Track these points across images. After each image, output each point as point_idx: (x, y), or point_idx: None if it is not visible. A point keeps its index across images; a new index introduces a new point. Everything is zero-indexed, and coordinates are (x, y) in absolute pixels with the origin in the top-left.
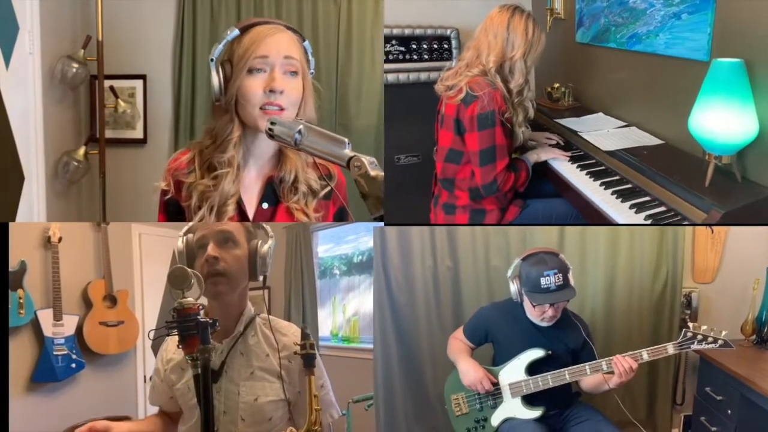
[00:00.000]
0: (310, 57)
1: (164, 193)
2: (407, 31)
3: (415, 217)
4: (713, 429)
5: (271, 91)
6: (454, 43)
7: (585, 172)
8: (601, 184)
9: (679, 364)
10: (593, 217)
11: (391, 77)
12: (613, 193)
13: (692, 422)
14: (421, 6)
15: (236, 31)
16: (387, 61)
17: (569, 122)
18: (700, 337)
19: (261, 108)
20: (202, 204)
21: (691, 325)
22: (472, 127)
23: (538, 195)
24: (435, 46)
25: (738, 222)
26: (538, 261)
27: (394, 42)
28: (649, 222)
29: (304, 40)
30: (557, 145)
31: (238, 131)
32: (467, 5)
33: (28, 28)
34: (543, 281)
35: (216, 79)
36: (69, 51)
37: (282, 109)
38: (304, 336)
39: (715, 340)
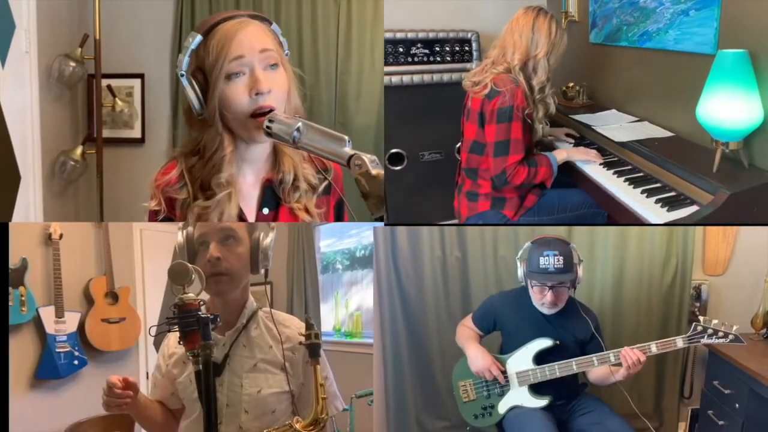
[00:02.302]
0: (282, 39)
1: (155, 213)
2: (431, 35)
3: (438, 208)
4: (720, 423)
5: (257, 94)
6: (474, 45)
7: (599, 162)
8: (614, 173)
9: (688, 357)
10: (607, 203)
11: (416, 78)
12: (625, 180)
13: (700, 416)
14: (444, 11)
15: (199, 37)
16: (412, 62)
17: (583, 118)
18: (710, 331)
19: (252, 116)
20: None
21: (701, 318)
22: (492, 119)
23: (554, 185)
24: (457, 48)
25: (744, 207)
26: (543, 243)
27: (419, 45)
28: (659, 205)
29: (271, 24)
30: (577, 144)
31: (230, 146)
32: (487, 10)
33: (24, 27)
34: (542, 261)
35: (192, 93)
36: (66, 49)
37: (273, 110)
38: (309, 326)
39: (726, 335)
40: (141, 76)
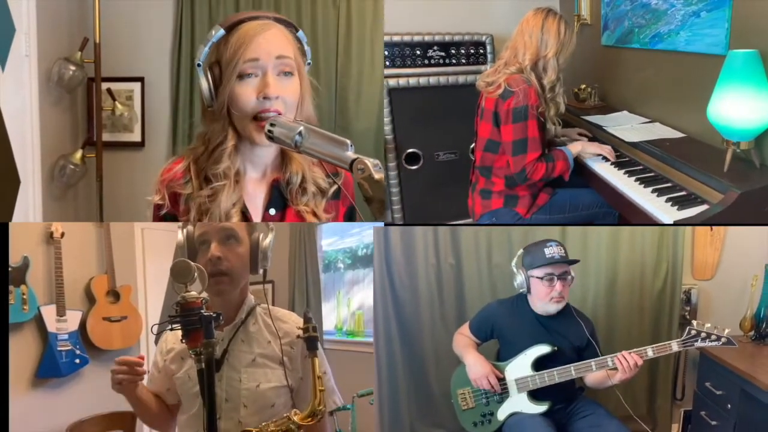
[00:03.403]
0: (306, 47)
1: (158, 207)
2: (447, 38)
3: (453, 207)
4: (713, 423)
5: (265, 97)
6: (488, 48)
7: (610, 162)
8: (625, 173)
9: (679, 360)
10: (618, 203)
11: (432, 80)
12: (636, 180)
13: (692, 417)
14: (459, 14)
15: (221, 31)
16: (429, 65)
17: (595, 119)
18: (703, 334)
19: (255, 118)
20: (202, 217)
21: (694, 322)
22: (507, 120)
23: (566, 184)
24: (472, 51)
25: (755, 206)
26: (540, 241)
27: (435, 47)
28: (669, 204)
29: (297, 31)
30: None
31: (232, 140)
32: (501, 14)
33: (24, 30)
34: (547, 251)
35: (205, 84)
36: (66, 53)
37: (279, 114)
38: (307, 320)
39: (719, 338)
40: (141, 79)
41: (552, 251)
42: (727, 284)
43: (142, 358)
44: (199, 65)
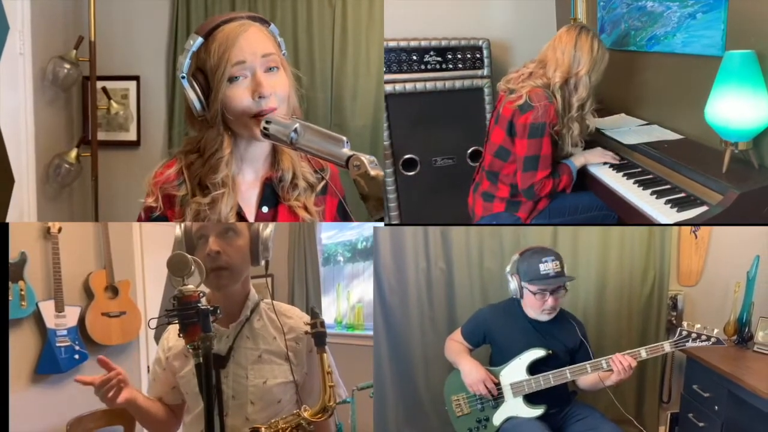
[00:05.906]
0: (279, 40)
1: (151, 209)
2: (444, 43)
3: (450, 212)
4: (701, 425)
5: (260, 97)
6: (485, 53)
7: (608, 165)
8: (624, 175)
9: (666, 363)
10: (617, 205)
11: (429, 85)
12: (635, 182)
13: (680, 419)
14: (455, 19)
15: (200, 39)
16: (425, 70)
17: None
18: (694, 335)
19: (254, 116)
20: (199, 221)
21: (685, 323)
22: (523, 134)
23: None
24: (468, 56)
25: (755, 207)
26: (536, 251)
27: (432, 53)
28: (669, 206)
29: (269, 26)
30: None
31: (228, 147)
32: (497, 18)
33: (18, 28)
34: (542, 267)
35: (193, 95)
36: (61, 51)
37: (274, 109)
38: (314, 315)
39: (709, 338)
40: (136, 78)
41: (547, 267)
42: (711, 290)
43: (117, 371)
44: (183, 77)
